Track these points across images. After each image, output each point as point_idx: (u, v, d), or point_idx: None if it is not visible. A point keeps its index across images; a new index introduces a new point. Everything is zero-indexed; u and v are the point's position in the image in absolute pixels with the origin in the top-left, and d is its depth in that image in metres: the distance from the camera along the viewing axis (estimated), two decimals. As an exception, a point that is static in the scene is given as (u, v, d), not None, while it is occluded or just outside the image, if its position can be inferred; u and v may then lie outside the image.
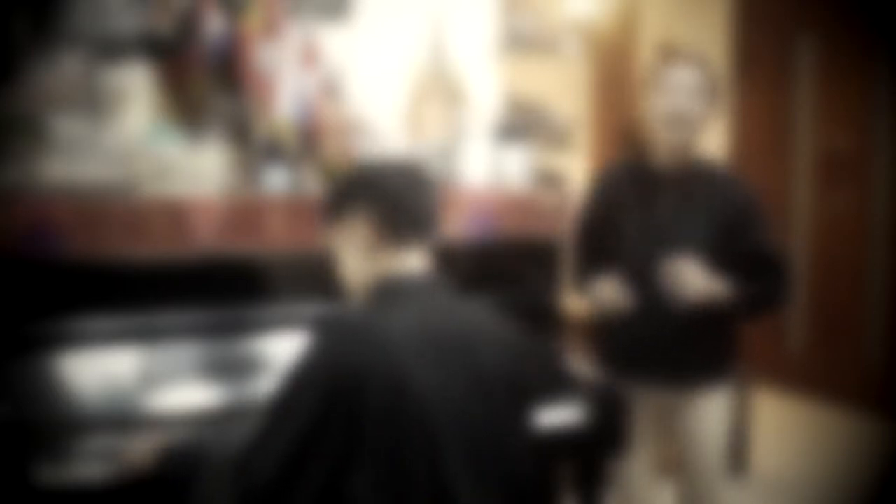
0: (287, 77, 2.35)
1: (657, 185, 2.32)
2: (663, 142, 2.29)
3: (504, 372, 1.54)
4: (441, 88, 2.67)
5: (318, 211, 1.71)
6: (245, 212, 2.14)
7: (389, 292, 1.54)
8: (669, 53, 2.40)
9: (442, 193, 1.65)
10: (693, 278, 2.15)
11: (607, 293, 2.25)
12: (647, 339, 2.30)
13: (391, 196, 1.55)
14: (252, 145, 2.28)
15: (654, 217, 2.30)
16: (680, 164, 2.31)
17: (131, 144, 2.15)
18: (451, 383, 1.47)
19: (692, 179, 2.31)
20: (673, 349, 2.30)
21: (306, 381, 1.44)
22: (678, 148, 2.29)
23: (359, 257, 1.58)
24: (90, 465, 1.74)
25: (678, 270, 2.16)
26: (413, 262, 1.57)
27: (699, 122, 2.28)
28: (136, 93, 2.21)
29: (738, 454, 3.69)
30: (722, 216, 2.27)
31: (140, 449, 1.71)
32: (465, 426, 1.47)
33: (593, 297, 2.31)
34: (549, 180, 2.86)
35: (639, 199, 2.34)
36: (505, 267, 2.42)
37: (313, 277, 2.14)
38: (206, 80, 2.28)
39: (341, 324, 1.47)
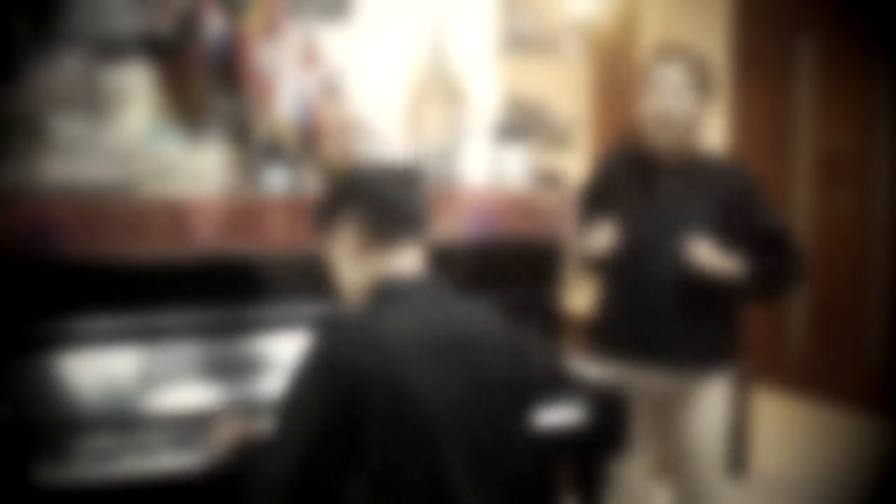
0: (287, 77, 2.34)
1: (657, 172, 2.33)
2: (659, 139, 2.30)
3: (504, 372, 1.54)
4: (441, 88, 2.67)
5: (311, 218, 1.71)
6: (245, 212, 2.14)
7: (387, 294, 1.54)
8: (659, 51, 2.40)
9: (434, 192, 1.65)
10: (708, 257, 2.19)
11: (600, 237, 2.28)
12: (647, 324, 2.30)
13: (375, 197, 1.56)
14: (252, 145, 2.28)
15: (655, 202, 2.30)
16: (679, 158, 2.31)
17: (131, 144, 2.15)
18: (450, 384, 1.47)
19: (691, 169, 2.31)
20: (673, 335, 2.30)
21: (308, 385, 1.45)
22: (675, 144, 2.29)
23: (352, 261, 1.59)
24: (90, 465, 1.74)
25: (694, 251, 2.20)
26: (407, 262, 1.57)
27: (691, 118, 2.27)
28: (136, 93, 2.21)
29: (738, 454, 3.69)
30: (723, 200, 2.28)
31: (224, 436, 1.69)
32: (465, 427, 1.47)
33: (588, 246, 2.33)
34: (548, 180, 2.86)
35: (639, 185, 2.34)
36: (505, 267, 2.42)
37: (313, 277, 2.14)
38: (206, 80, 2.28)
39: (340, 326, 1.47)
